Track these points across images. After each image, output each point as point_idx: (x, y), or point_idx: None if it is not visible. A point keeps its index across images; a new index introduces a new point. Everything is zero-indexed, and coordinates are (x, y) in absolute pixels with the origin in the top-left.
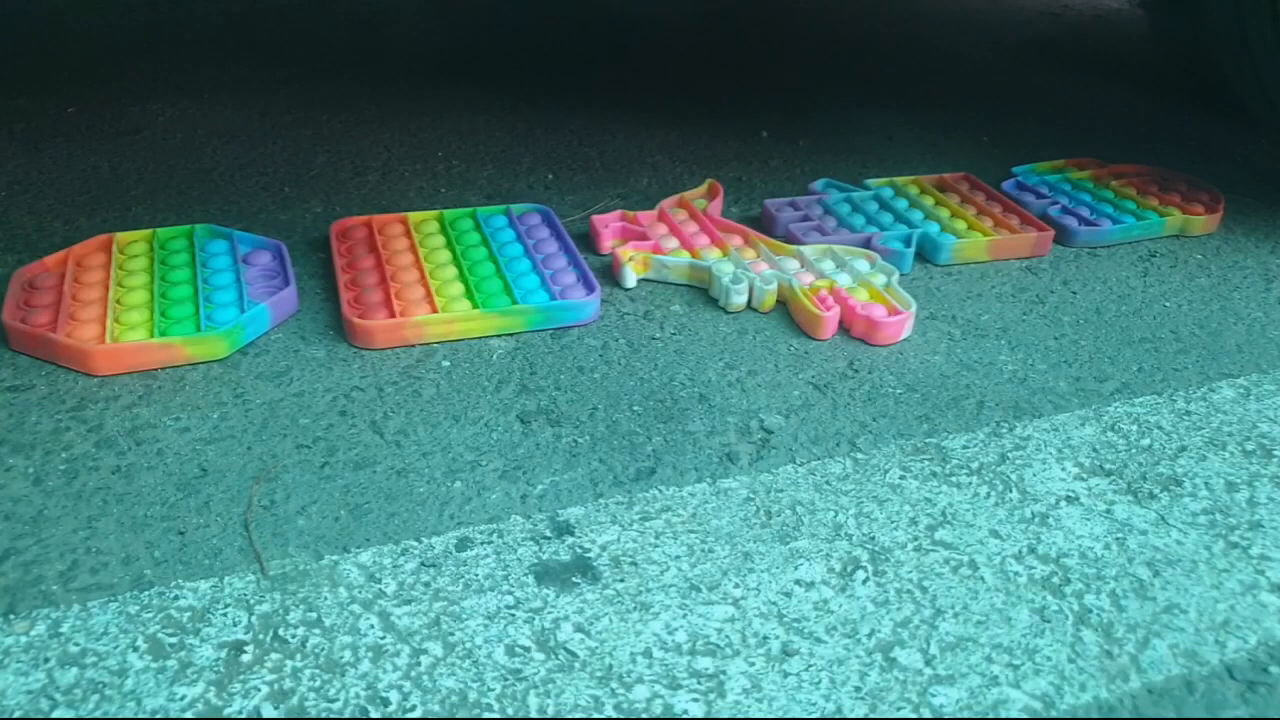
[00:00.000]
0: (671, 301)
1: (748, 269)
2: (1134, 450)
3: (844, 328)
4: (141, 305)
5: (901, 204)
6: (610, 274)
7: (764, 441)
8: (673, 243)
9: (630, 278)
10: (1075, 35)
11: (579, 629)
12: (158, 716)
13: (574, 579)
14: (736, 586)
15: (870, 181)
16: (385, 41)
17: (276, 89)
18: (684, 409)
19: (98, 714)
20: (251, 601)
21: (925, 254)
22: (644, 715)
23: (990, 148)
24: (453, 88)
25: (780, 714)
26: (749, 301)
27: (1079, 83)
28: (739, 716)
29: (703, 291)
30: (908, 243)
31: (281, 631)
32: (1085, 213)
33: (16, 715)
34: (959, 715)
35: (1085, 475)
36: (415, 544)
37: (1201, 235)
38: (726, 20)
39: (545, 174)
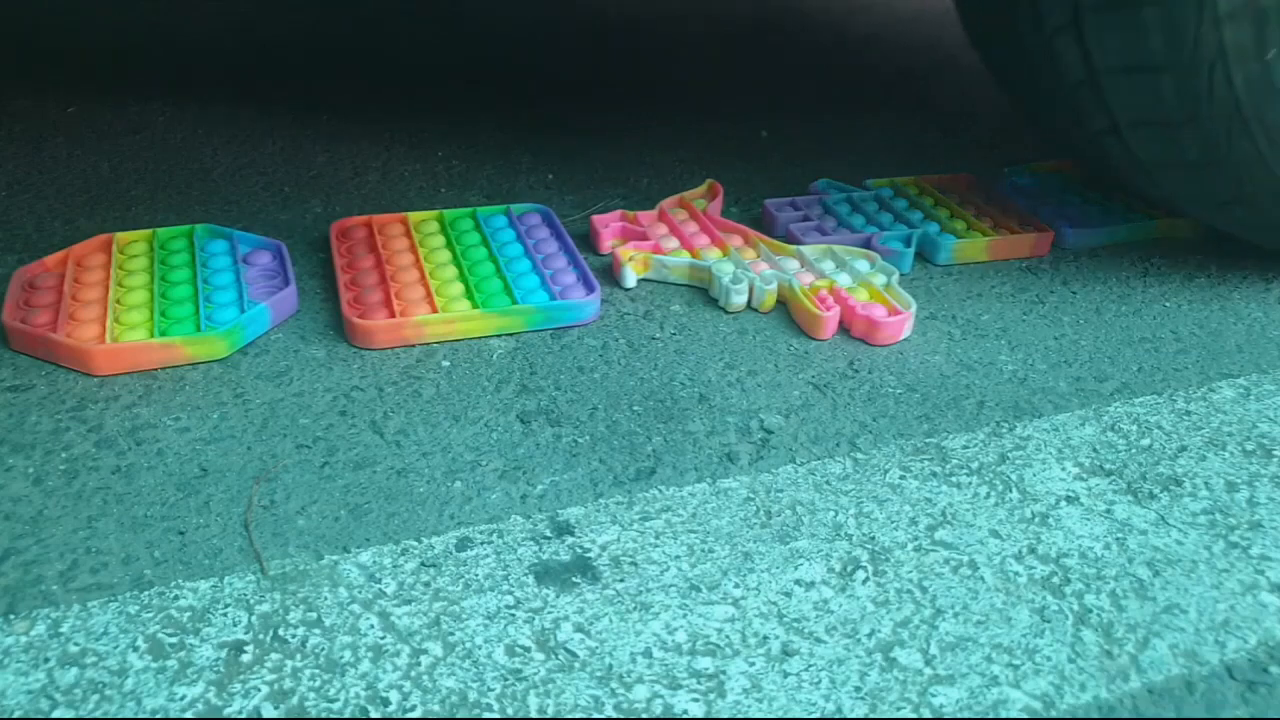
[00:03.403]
0: (671, 301)
1: (748, 269)
2: (1134, 450)
3: (844, 328)
4: (141, 305)
5: (901, 204)
6: (610, 274)
7: (764, 441)
8: (673, 243)
9: (630, 278)
10: None
11: (579, 629)
12: (158, 716)
13: (574, 579)
14: (736, 586)
15: (870, 181)
16: (385, 41)
17: (276, 89)
18: (684, 409)
19: (98, 714)
20: (251, 601)
21: (925, 254)
22: (644, 715)
23: (990, 148)
24: (453, 88)
25: (780, 714)
26: (749, 301)
27: None
28: (739, 716)
29: (703, 291)
30: (907, 243)
31: (281, 631)
32: (1073, 214)
33: (16, 715)
34: (959, 715)
35: (1085, 475)
36: (415, 544)
37: (1200, 235)
38: (727, 20)
39: (545, 174)
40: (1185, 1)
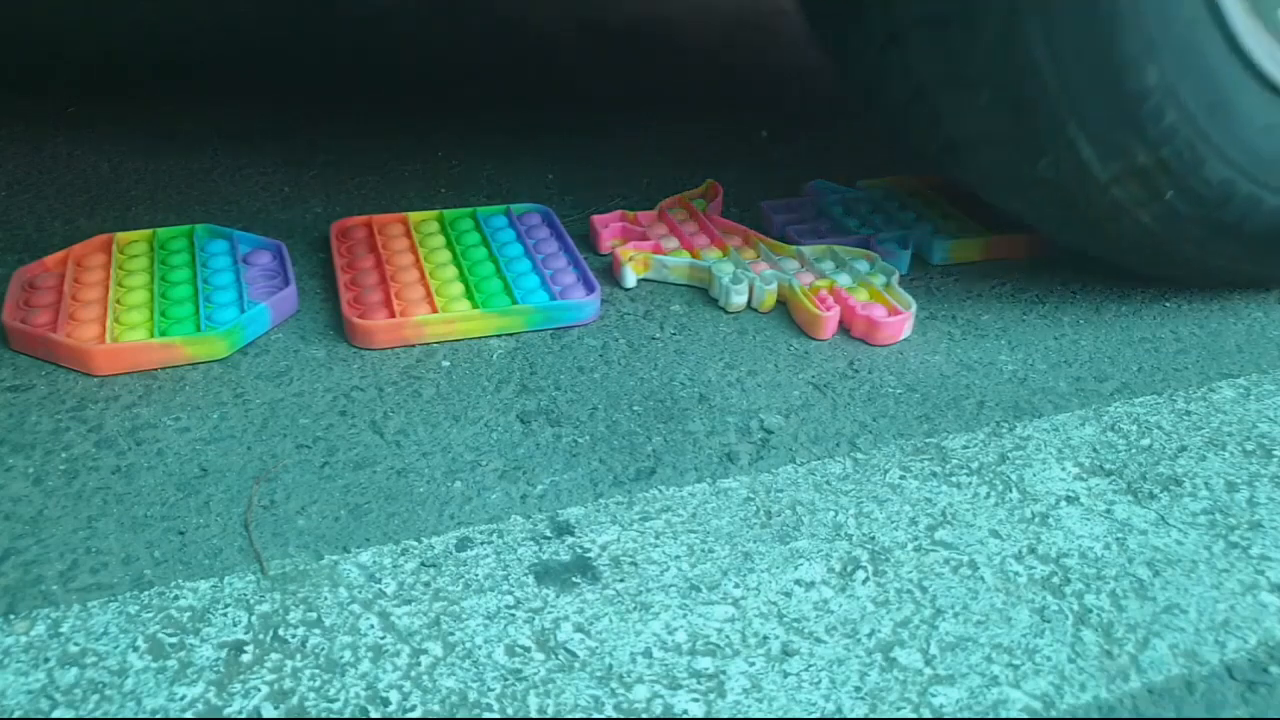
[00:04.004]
0: (671, 301)
1: (747, 269)
2: (1134, 450)
3: (844, 328)
4: (141, 305)
5: (894, 204)
6: (610, 274)
7: (764, 441)
8: (673, 243)
9: (630, 278)
10: None
11: (579, 629)
12: (158, 716)
13: (574, 579)
14: (736, 586)
15: (862, 182)
16: (385, 41)
17: (276, 89)
18: (684, 409)
19: (98, 714)
20: (251, 601)
21: (921, 255)
22: (644, 715)
23: None
24: (453, 88)
25: (780, 714)
26: (749, 301)
27: None
28: (739, 716)
29: (702, 291)
30: (904, 244)
31: (281, 631)
32: None
33: (16, 715)
34: (959, 715)
35: (1085, 475)
36: (415, 544)
37: None
38: (726, 20)
39: (545, 174)
40: (1067, 183)
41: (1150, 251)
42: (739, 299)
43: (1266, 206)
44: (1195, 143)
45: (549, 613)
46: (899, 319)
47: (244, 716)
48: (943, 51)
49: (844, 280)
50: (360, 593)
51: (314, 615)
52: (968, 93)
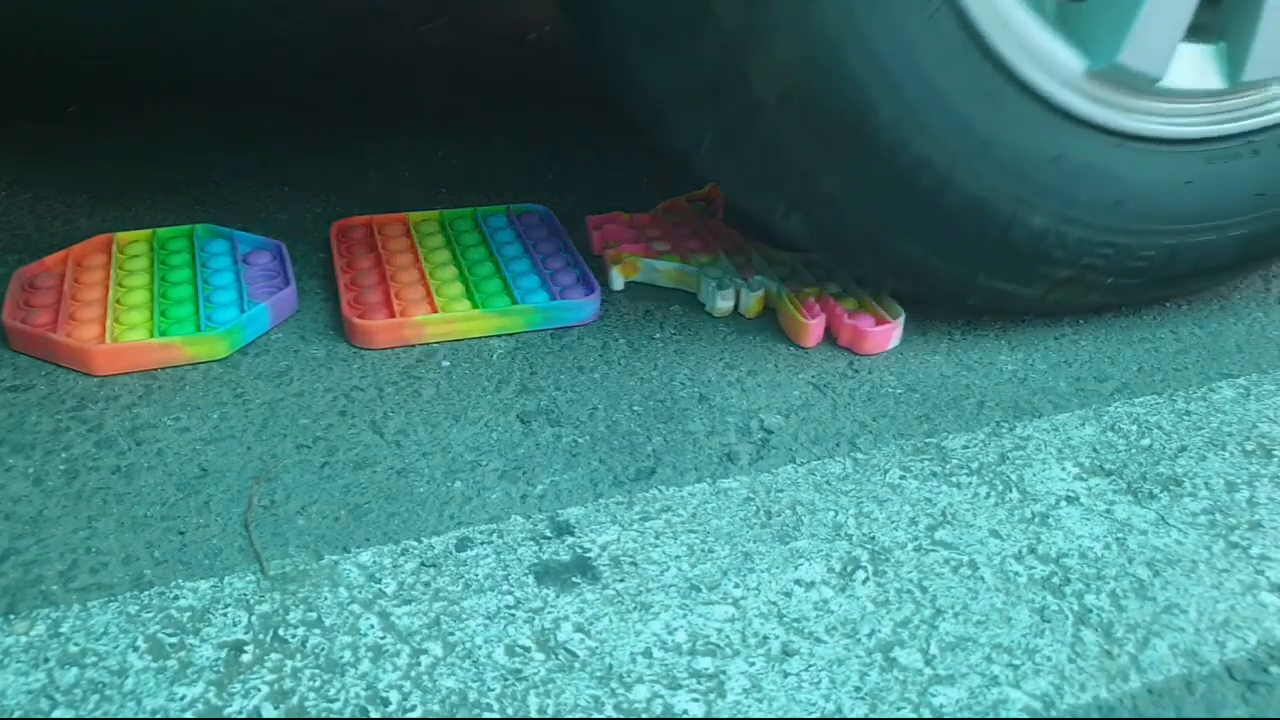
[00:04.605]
0: (671, 301)
1: (735, 274)
2: (1134, 450)
3: (831, 336)
4: (141, 305)
5: None
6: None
7: (764, 441)
8: (664, 245)
9: (617, 280)
10: None
11: (579, 629)
12: (158, 716)
13: (574, 579)
14: (736, 586)
15: None
16: (385, 41)
17: (277, 89)
18: (684, 409)
19: (98, 714)
20: (251, 601)
21: None
22: (644, 715)
23: None
24: (453, 88)
25: (780, 714)
26: (735, 307)
27: None
28: (739, 716)
29: None
30: None
31: (281, 631)
32: None
33: (16, 715)
34: (959, 715)
35: (1085, 475)
36: (415, 544)
37: None
38: None
39: (545, 174)
40: (1005, 304)
41: (1119, 304)
42: (724, 304)
43: (1218, 243)
44: (1114, 239)
45: (549, 613)
46: (885, 329)
47: (244, 716)
48: (842, 259)
49: (833, 288)
50: (360, 593)
51: (314, 615)
52: (875, 267)
